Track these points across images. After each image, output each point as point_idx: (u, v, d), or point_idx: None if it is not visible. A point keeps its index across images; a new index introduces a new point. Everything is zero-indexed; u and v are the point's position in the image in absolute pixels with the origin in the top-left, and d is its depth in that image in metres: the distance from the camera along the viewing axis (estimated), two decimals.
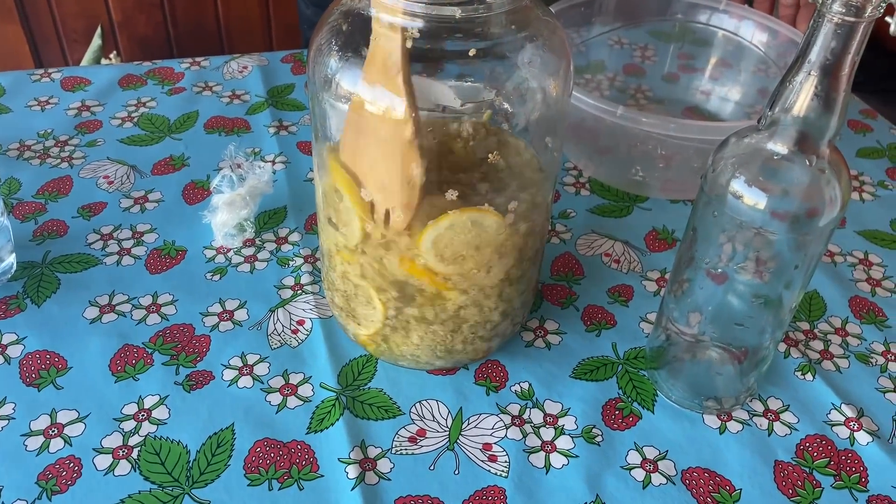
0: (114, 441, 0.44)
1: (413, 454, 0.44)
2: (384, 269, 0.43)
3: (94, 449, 0.44)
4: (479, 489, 0.43)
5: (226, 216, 0.57)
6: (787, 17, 0.77)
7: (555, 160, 0.45)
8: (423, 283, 0.42)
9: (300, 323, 0.52)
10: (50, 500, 0.41)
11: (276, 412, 0.46)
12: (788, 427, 0.47)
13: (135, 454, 0.43)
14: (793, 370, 0.51)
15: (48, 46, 1.36)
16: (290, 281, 0.55)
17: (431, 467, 0.44)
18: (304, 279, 0.55)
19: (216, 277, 0.55)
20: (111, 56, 1.30)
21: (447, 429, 0.46)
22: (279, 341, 0.50)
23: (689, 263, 0.45)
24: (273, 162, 0.66)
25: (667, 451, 0.46)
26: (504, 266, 0.44)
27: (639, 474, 0.44)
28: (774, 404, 0.49)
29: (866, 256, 0.60)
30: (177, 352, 0.49)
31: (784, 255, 0.41)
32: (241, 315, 0.52)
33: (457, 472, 0.44)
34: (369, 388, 0.48)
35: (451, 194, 0.40)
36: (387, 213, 0.40)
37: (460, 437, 0.45)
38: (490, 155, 0.40)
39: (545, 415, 0.47)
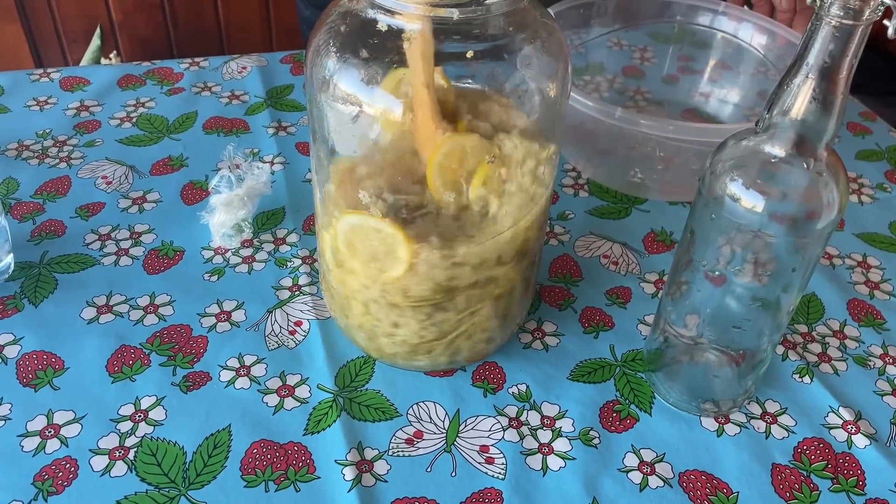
0: (110, 442, 0.44)
1: (410, 456, 0.44)
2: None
3: (90, 450, 0.43)
4: (476, 491, 0.43)
5: (224, 217, 0.56)
6: (784, 22, 0.77)
7: (553, 161, 0.45)
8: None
9: (298, 324, 0.52)
10: (46, 501, 0.41)
11: (273, 413, 0.46)
12: (786, 430, 0.47)
13: (131, 455, 0.43)
14: (791, 373, 0.51)
15: (48, 46, 1.37)
16: (287, 282, 0.55)
17: (428, 469, 0.44)
18: (302, 280, 0.55)
19: (214, 278, 0.55)
20: (111, 56, 1.30)
21: (444, 430, 0.46)
22: (277, 342, 0.50)
23: (687, 266, 0.45)
24: (272, 162, 0.66)
25: (664, 453, 0.46)
26: (502, 268, 0.44)
27: (636, 477, 0.44)
28: (772, 407, 0.49)
29: (865, 259, 0.60)
30: (174, 353, 0.49)
31: (782, 258, 0.41)
32: (238, 316, 0.52)
33: (454, 474, 0.44)
34: (367, 389, 0.48)
35: (449, 196, 0.40)
36: None
37: (457, 439, 0.45)
38: (487, 156, 0.40)
39: (542, 417, 0.47)
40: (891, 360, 0.52)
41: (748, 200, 0.39)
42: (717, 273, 0.43)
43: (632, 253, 0.60)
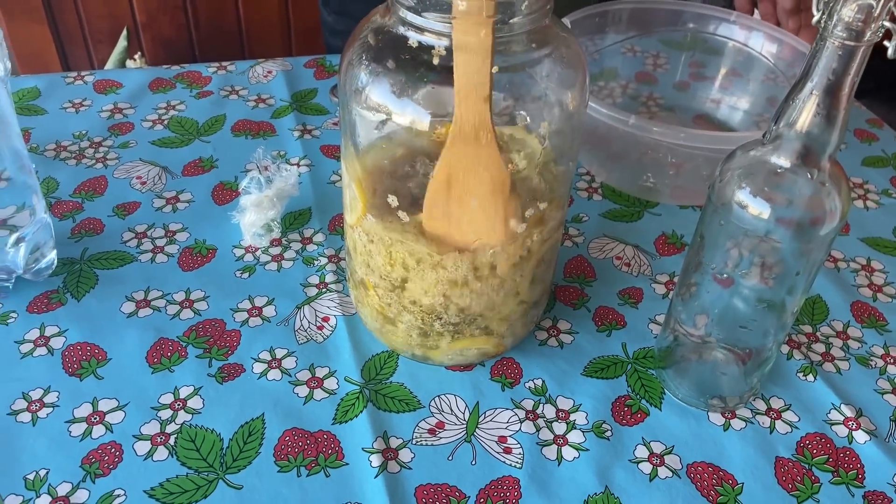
0: (152, 428, 0.47)
1: (432, 445, 0.47)
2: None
3: (133, 435, 0.46)
4: (495, 479, 0.46)
5: (254, 217, 0.59)
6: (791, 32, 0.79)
7: (570, 169, 0.47)
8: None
9: (325, 320, 0.55)
10: (94, 482, 0.44)
11: (304, 403, 0.49)
12: (789, 425, 0.50)
13: (172, 441, 0.46)
14: (795, 371, 0.53)
15: (74, 46, 1.40)
16: (315, 279, 0.58)
17: (450, 458, 0.46)
18: (329, 278, 0.58)
19: (245, 275, 0.58)
20: (136, 57, 1.33)
21: (465, 422, 0.48)
22: (305, 337, 0.53)
23: (697, 268, 0.47)
24: (298, 164, 0.69)
25: (673, 446, 0.48)
26: (522, 269, 0.46)
27: (646, 468, 0.47)
28: (776, 403, 0.51)
29: (869, 263, 0.63)
30: (209, 345, 0.52)
31: (787, 262, 0.44)
32: (269, 311, 0.55)
33: (474, 462, 0.46)
34: (391, 382, 0.51)
35: (474, 203, 0.42)
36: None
37: (477, 430, 0.48)
38: (510, 164, 0.42)
39: (557, 410, 0.50)
40: (892, 360, 0.54)
41: (755, 207, 0.42)
42: (725, 275, 0.46)
43: (643, 255, 0.62)
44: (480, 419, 0.49)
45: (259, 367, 0.51)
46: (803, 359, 0.54)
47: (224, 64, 0.82)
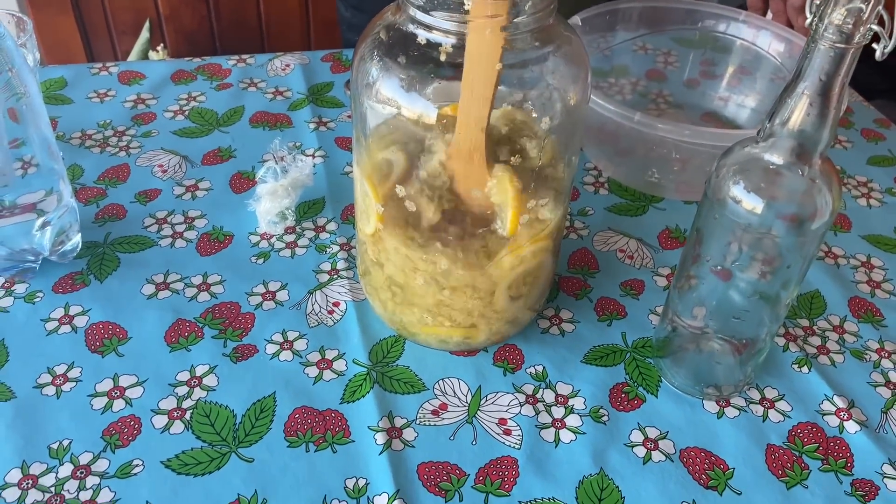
0: (169, 404, 0.49)
1: (435, 425, 0.49)
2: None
3: (151, 410, 0.49)
4: (494, 458, 0.48)
5: (269, 205, 0.62)
6: (800, 30, 0.80)
7: (572, 162, 0.49)
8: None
9: (335, 305, 0.57)
10: (114, 452, 0.46)
11: (313, 383, 0.51)
12: (782, 414, 0.51)
13: (188, 416, 0.49)
14: (790, 363, 0.55)
15: (99, 38, 1.43)
16: (326, 266, 0.60)
17: (451, 438, 0.49)
18: (340, 265, 0.60)
19: (260, 261, 0.60)
20: (158, 48, 1.36)
21: (467, 404, 0.51)
22: (316, 320, 0.55)
23: (695, 261, 0.49)
24: (313, 156, 0.71)
25: (667, 431, 0.50)
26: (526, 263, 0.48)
27: (640, 451, 0.49)
28: (770, 393, 0.53)
29: (868, 260, 0.64)
30: (225, 327, 0.54)
31: (779, 256, 0.45)
32: (282, 296, 0.57)
33: (474, 442, 0.48)
34: (397, 365, 0.53)
35: (476, 192, 0.44)
36: None
37: (478, 412, 0.50)
38: (511, 158, 0.44)
39: (557, 395, 0.52)
40: (886, 355, 0.56)
41: (748, 202, 0.43)
42: (721, 268, 0.47)
43: (647, 248, 0.64)
44: (482, 402, 0.51)
45: (272, 349, 0.53)
46: (799, 351, 0.56)
47: (244, 57, 0.85)
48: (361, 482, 0.46)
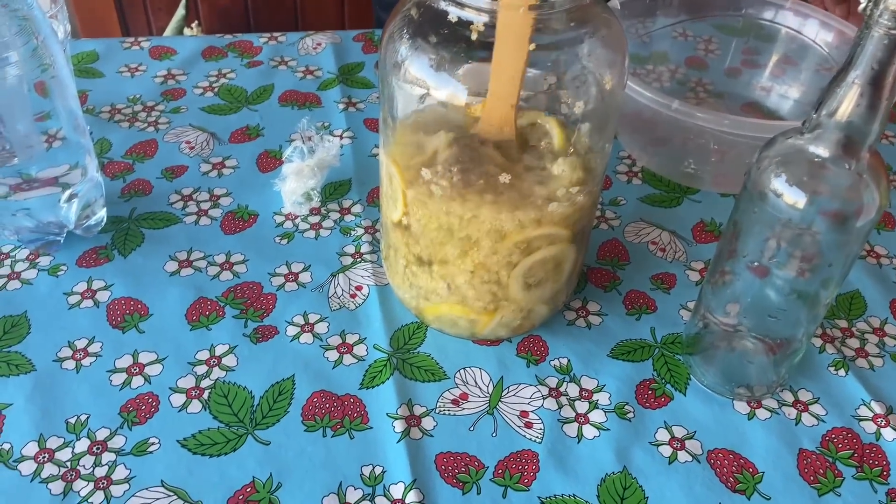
0: (188, 382, 0.49)
1: (455, 415, 0.48)
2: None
3: (170, 388, 0.48)
4: (515, 451, 0.46)
5: (294, 185, 0.61)
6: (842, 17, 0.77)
7: (605, 150, 0.47)
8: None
9: (358, 288, 0.56)
10: (130, 429, 0.46)
11: (333, 367, 0.50)
12: (816, 418, 0.49)
13: (206, 395, 0.48)
14: (826, 365, 0.53)
15: (135, 14, 1.44)
16: (350, 249, 0.59)
17: (471, 428, 0.47)
18: (364, 248, 0.59)
19: (284, 241, 0.59)
20: (192, 25, 1.36)
21: (488, 395, 0.49)
22: (338, 304, 0.55)
23: (730, 256, 0.47)
24: (341, 136, 0.70)
25: (695, 431, 0.48)
26: (552, 249, 0.46)
27: (666, 451, 0.47)
28: (805, 396, 0.51)
29: None
30: (246, 307, 0.54)
31: (820, 254, 0.43)
32: (305, 277, 0.56)
33: (494, 434, 0.47)
34: (418, 352, 0.52)
35: (505, 177, 0.43)
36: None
37: (500, 404, 0.49)
38: (542, 142, 0.43)
39: (581, 389, 0.50)
40: None
41: (790, 196, 0.41)
42: (757, 264, 0.46)
43: (680, 241, 0.62)
44: (504, 393, 0.50)
45: (292, 331, 0.53)
46: (836, 353, 0.53)
47: (275, 35, 0.84)
48: (378, 470, 0.45)
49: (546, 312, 0.52)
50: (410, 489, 0.44)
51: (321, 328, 0.53)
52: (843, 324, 0.56)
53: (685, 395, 0.50)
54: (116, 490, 0.43)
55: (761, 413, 0.50)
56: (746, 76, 0.79)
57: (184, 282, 0.55)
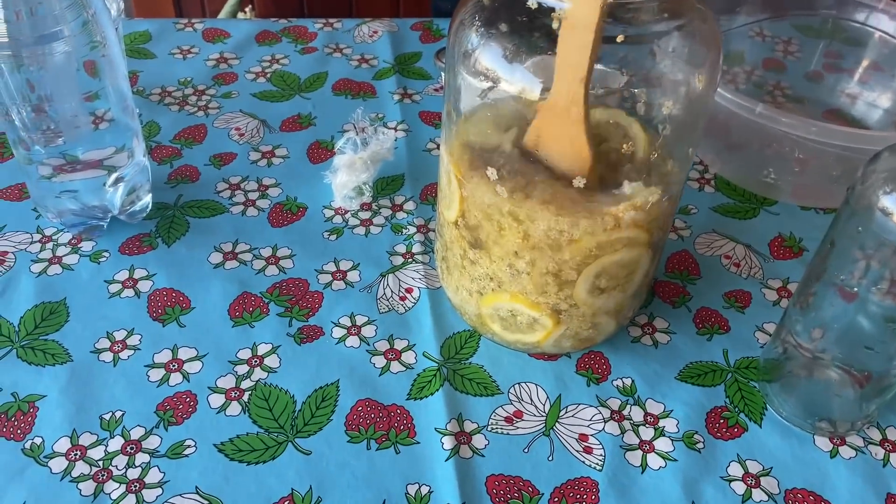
0: (227, 382, 0.46)
1: (508, 434, 0.45)
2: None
3: (209, 387, 0.46)
4: (573, 478, 0.43)
5: (346, 178, 0.58)
6: None
7: (688, 156, 0.43)
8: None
9: (408, 291, 0.53)
10: (166, 430, 0.44)
11: (380, 374, 0.47)
12: None
13: (245, 397, 0.46)
14: None
15: None
16: (402, 248, 0.56)
17: (526, 450, 0.44)
18: (416, 248, 0.56)
19: (333, 237, 0.56)
20: (246, 10, 1.34)
21: (544, 414, 0.46)
22: (387, 306, 0.52)
23: (821, 277, 0.43)
24: (395, 129, 0.67)
25: (771, 467, 0.44)
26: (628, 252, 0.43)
27: (739, 487, 0.43)
28: (894, 435, 0.46)
29: None
30: (291, 304, 0.51)
31: None
32: (353, 276, 0.53)
33: (551, 458, 0.44)
34: (470, 363, 0.48)
35: (579, 181, 0.39)
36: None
37: (557, 424, 0.45)
38: (624, 146, 0.39)
39: (646, 414, 0.46)
40: None
41: None
42: (853, 289, 0.41)
43: (756, 256, 0.57)
44: (561, 413, 0.46)
45: (338, 332, 0.50)
46: None
47: (331, 21, 0.81)
48: (424, 490, 0.42)
49: (612, 327, 0.48)
50: None
51: (368, 331, 0.50)
52: None
53: (760, 426, 0.46)
54: (149, 494, 0.41)
55: (845, 451, 0.45)
56: (829, 81, 0.74)
57: (228, 275, 0.53)
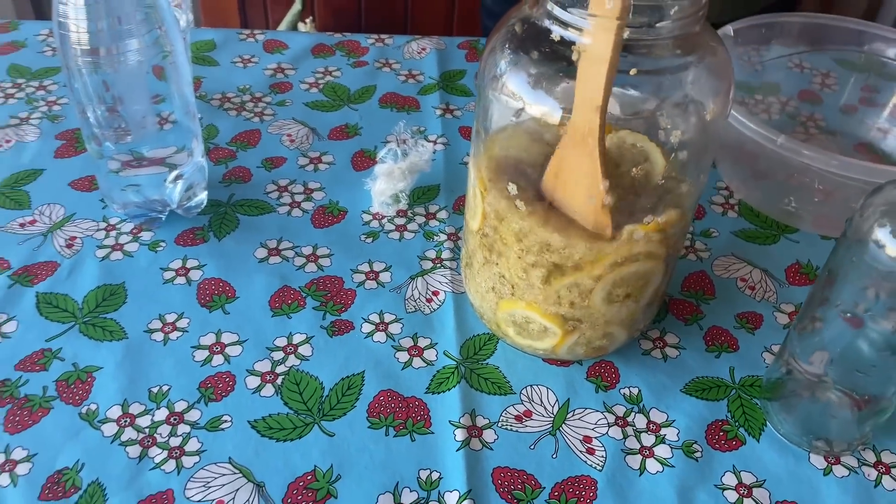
0: (264, 366, 0.51)
1: (517, 431, 0.48)
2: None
3: (247, 370, 0.50)
4: (574, 476, 0.46)
5: (384, 185, 0.62)
6: None
7: (700, 182, 0.46)
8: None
9: (435, 293, 0.57)
10: (206, 405, 0.48)
11: (402, 369, 0.51)
12: None
13: (279, 381, 0.50)
14: None
15: (253, 5, 1.50)
16: (432, 254, 0.60)
17: (532, 447, 0.47)
18: (445, 254, 0.60)
19: (369, 240, 0.61)
20: (307, 21, 1.40)
21: (552, 415, 0.49)
22: (414, 307, 0.55)
23: (822, 303, 0.45)
24: (435, 142, 0.71)
25: (765, 480, 0.46)
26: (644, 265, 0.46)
27: (731, 496, 0.45)
28: (888, 458, 0.48)
29: None
30: (326, 300, 0.55)
31: None
32: (385, 277, 0.58)
33: (555, 455, 0.47)
34: (487, 363, 0.52)
35: (593, 199, 0.42)
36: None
37: (563, 426, 0.48)
38: (634, 169, 0.42)
39: (649, 422, 0.49)
40: None
41: (893, 249, 0.39)
42: (851, 315, 0.43)
43: (771, 280, 0.59)
44: (569, 415, 0.49)
45: (367, 328, 0.54)
46: None
47: (382, 37, 0.86)
48: (435, 475, 0.45)
49: (624, 337, 0.51)
50: (465, 499, 0.44)
51: (395, 328, 0.54)
52: None
53: (759, 441, 0.48)
54: (187, 461, 0.45)
55: (838, 470, 0.47)
56: (862, 115, 0.75)
57: (271, 269, 0.57)
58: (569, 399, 0.50)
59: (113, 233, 0.59)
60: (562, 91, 0.42)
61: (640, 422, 0.49)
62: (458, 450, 0.47)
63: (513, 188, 0.44)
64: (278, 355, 0.52)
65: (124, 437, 0.46)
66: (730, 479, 0.46)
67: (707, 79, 0.43)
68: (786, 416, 0.49)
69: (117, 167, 0.57)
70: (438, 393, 0.50)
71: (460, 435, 0.47)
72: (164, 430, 0.47)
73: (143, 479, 0.44)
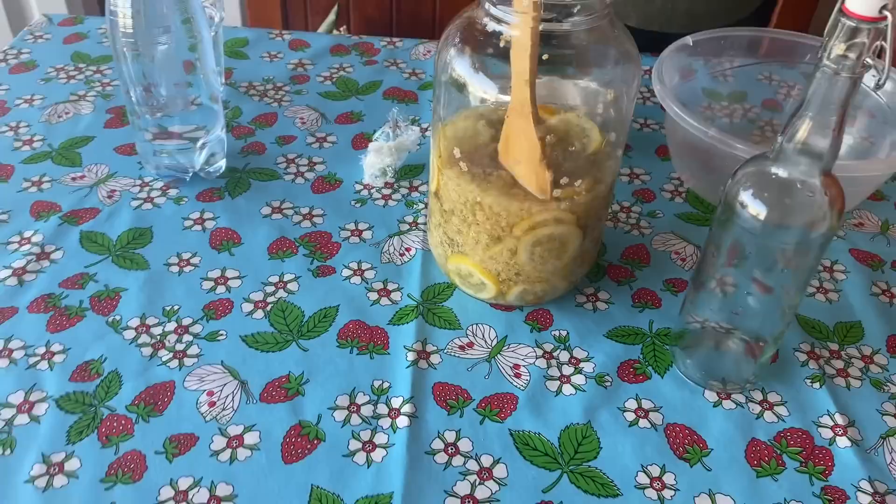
0: (257, 296, 0.62)
1: (459, 357, 0.58)
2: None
3: (243, 298, 0.61)
4: (500, 392, 0.55)
5: (374, 160, 0.73)
6: None
7: (616, 156, 0.56)
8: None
9: (407, 249, 0.67)
10: (208, 322, 0.59)
11: (371, 305, 0.62)
12: (777, 417, 0.55)
13: (268, 308, 0.61)
14: (804, 377, 0.58)
15: (296, 13, 1.64)
16: (409, 219, 0.70)
17: (469, 369, 0.57)
18: (421, 220, 0.70)
19: (358, 205, 0.71)
20: (341, 29, 1.53)
21: (491, 347, 0.59)
22: (388, 259, 0.66)
23: (710, 261, 0.54)
24: (425, 130, 0.82)
25: (661, 406, 0.55)
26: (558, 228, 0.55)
27: (630, 416, 0.54)
28: (773, 398, 0.56)
29: None
30: (315, 250, 0.66)
31: (779, 260, 0.49)
32: (367, 235, 0.68)
33: (487, 377, 0.56)
34: (443, 305, 0.62)
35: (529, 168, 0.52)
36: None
37: (498, 356, 0.58)
38: (548, 136, 0.52)
39: (571, 357, 0.58)
40: None
41: (753, 208, 0.48)
42: (729, 267, 0.52)
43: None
44: (504, 349, 0.59)
45: (346, 273, 0.64)
46: (817, 369, 0.58)
47: (394, 40, 0.97)
48: (385, 385, 0.56)
49: (561, 290, 0.60)
50: (406, 403, 0.54)
51: (369, 275, 0.64)
52: (834, 346, 0.60)
53: (662, 378, 0.57)
54: (188, 361, 0.56)
55: (727, 404, 0.56)
56: None
57: (272, 223, 0.69)
58: (506, 336, 0.60)
59: (146, 188, 0.71)
60: (496, 73, 0.52)
61: (564, 357, 0.58)
62: (407, 367, 0.57)
63: (457, 152, 0.54)
64: (270, 289, 0.62)
65: (140, 341, 0.58)
66: (631, 404, 0.55)
67: (615, 66, 0.52)
68: (689, 359, 0.58)
69: (151, 137, 0.69)
70: (398, 325, 0.60)
71: (411, 356, 0.57)
72: (172, 338, 0.58)
73: (151, 372, 0.55)
